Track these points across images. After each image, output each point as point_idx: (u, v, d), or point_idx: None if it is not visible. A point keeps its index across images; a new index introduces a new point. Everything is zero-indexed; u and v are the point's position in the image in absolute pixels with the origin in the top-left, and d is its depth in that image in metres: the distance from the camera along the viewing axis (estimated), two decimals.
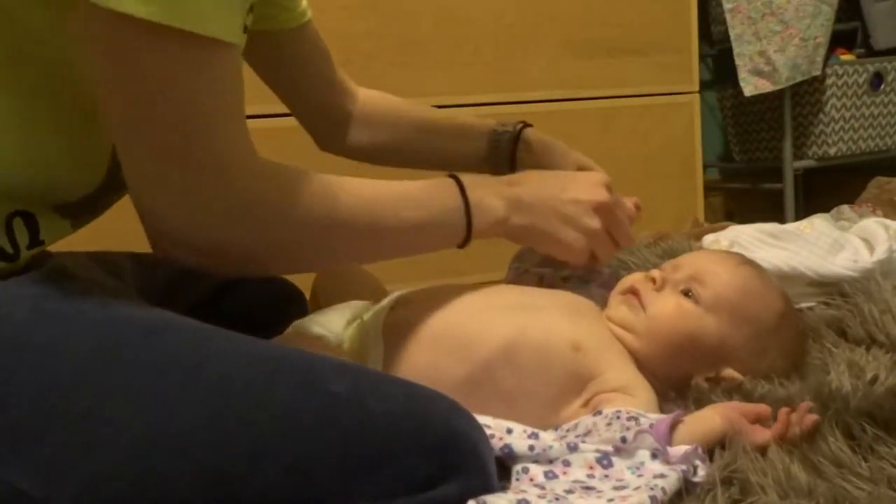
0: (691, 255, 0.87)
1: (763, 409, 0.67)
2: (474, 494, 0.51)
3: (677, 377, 0.77)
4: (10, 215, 0.58)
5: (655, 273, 0.80)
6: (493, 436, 0.60)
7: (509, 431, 0.63)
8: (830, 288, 0.95)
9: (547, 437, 0.63)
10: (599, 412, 0.67)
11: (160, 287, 0.81)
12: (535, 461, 0.60)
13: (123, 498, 0.46)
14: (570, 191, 0.77)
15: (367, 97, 1.03)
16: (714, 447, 0.63)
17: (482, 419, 0.62)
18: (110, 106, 0.55)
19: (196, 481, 0.47)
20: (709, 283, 0.78)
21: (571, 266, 0.87)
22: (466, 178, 0.73)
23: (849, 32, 2.11)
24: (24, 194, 0.59)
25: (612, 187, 0.80)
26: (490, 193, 0.74)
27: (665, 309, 0.77)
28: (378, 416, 0.51)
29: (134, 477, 0.46)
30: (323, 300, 0.88)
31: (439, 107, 1.67)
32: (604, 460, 0.60)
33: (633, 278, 0.82)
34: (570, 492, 0.57)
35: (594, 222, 0.77)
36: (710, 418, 0.66)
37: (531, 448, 0.61)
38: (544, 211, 0.76)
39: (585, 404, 0.71)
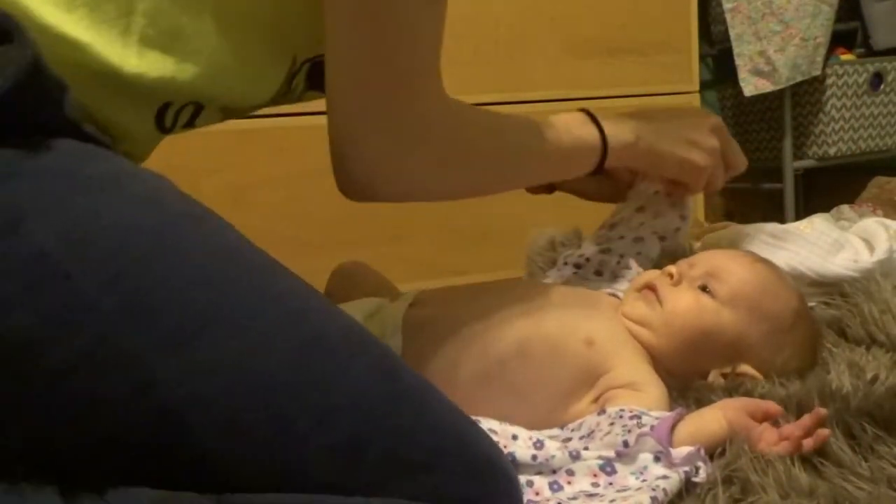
0: (706, 253, 0.88)
1: (773, 407, 0.66)
2: None
3: (693, 373, 0.76)
4: (186, 104, 0.65)
5: (672, 268, 0.80)
6: (497, 442, 0.59)
7: (514, 438, 0.63)
8: (830, 288, 0.95)
9: (551, 447, 0.63)
10: (603, 411, 0.67)
11: None
12: (539, 472, 0.61)
13: (215, 397, 0.47)
14: (687, 116, 0.90)
15: None
16: (717, 448, 0.63)
17: (488, 423, 0.63)
18: (336, 27, 0.63)
19: (267, 418, 0.48)
20: (725, 279, 0.78)
21: (675, 194, 0.94)
22: (595, 113, 0.84)
23: (849, 32, 2.11)
24: (206, 92, 0.65)
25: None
26: (618, 124, 0.85)
27: (682, 303, 0.77)
28: (436, 419, 0.52)
29: (226, 381, 0.48)
30: (336, 299, 0.88)
31: None
32: (607, 467, 0.60)
33: (650, 275, 0.82)
34: (573, 498, 0.58)
35: (714, 141, 0.88)
36: (716, 420, 0.65)
37: (534, 458, 0.61)
38: (669, 134, 0.86)
39: (595, 400, 0.72)
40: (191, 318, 0.48)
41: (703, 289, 0.77)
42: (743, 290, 0.77)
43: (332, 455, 0.48)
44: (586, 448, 0.63)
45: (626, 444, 0.61)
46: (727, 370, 0.76)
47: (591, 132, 0.83)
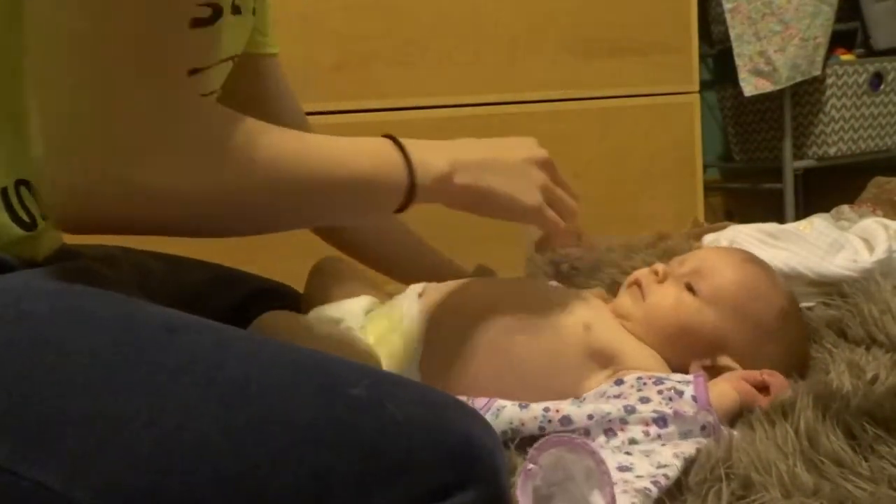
0: (699, 251, 0.90)
1: (758, 375, 0.73)
2: (489, 502, 0.50)
3: (675, 364, 0.78)
4: (16, 183, 0.58)
5: (659, 266, 0.82)
6: (548, 409, 0.65)
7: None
8: (830, 288, 0.95)
9: (605, 406, 0.66)
10: (621, 381, 0.70)
11: (190, 291, 0.81)
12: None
13: (143, 496, 0.45)
14: (511, 147, 0.74)
15: None
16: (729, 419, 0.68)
17: (540, 404, 0.66)
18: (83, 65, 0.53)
19: (213, 485, 0.46)
20: (710, 277, 0.79)
21: (561, 249, 0.89)
22: (402, 139, 0.68)
23: (849, 32, 2.11)
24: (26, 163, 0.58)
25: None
26: (430, 151, 0.68)
27: (664, 300, 0.79)
28: (398, 423, 0.50)
29: (153, 476, 0.46)
30: (316, 297, 0.88)
31: (439, 107, 1.68)
32: (659, 421, 0.64)
33: (639, 272, 0.84)
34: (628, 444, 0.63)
35: (543, 176, 0.74)
36: (727, 394, 0.70)
37: (590, 416, 0.65)
38: (490, 167, 0.71)
39: (610, 376, 0.75)
40: (88, 431, 0.46)
41: (688, 286, 0.79)
42: (726, 288, 0.79)
43: (301, 489, 0.46)
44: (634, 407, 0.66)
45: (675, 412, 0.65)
46: (707, 362, 0.78)
47: (394, 160, 0.66)
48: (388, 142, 0.67)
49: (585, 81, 1.77)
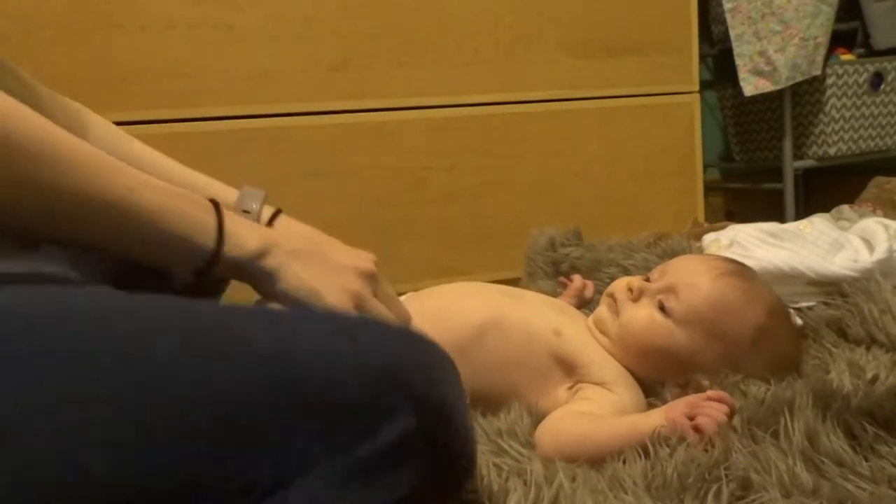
0: (680, 261, 0.87)
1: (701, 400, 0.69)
2: (434, 420, 0.47)
3: (651, 380, 0.80)
4: None
5: (635, 283, 0.83)
6: None
7: None
8: (830, 288, 0.95)
9: None
10: None
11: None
12: None
13: (54, 490, 0.41)
14: (338, 250, 0.69)
15: (106, 131, 0.88)
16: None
17: None
18: None
19: (122, 471, 0.42)
20: (684, 296, 0.79)
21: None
22: (224, 209, 0.63)
23: (849, 32, 2.11)
24: None
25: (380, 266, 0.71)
26: (247, 227, 0.64)
27: (635, 321, 0.80)
28: (309, 364, 0.46)
29: (59, 469, 0.41)
30: None
31: (439, 107, 1.68)
32: None
33: (617, 284, 0.86)
34: None
35: (359, 284, 0.67)
36: (650, 419, 0.68)
37: None
38: (304, 258, 0.65)
39: (570, 388, 0.79)
40: None
41: (661, 306, 0.79)
42: (699, 309, 0.78)
43: (215, 456, 0.43)
44: None
45: None
46: (681, 381, 0.78)
47: (205, 220, 0.61)
48: (206, 202, 0.62)
49: (585, 81, 1.77)
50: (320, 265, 0.66)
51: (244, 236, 0.63)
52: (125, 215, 0.57)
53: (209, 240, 0.61)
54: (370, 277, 0.68)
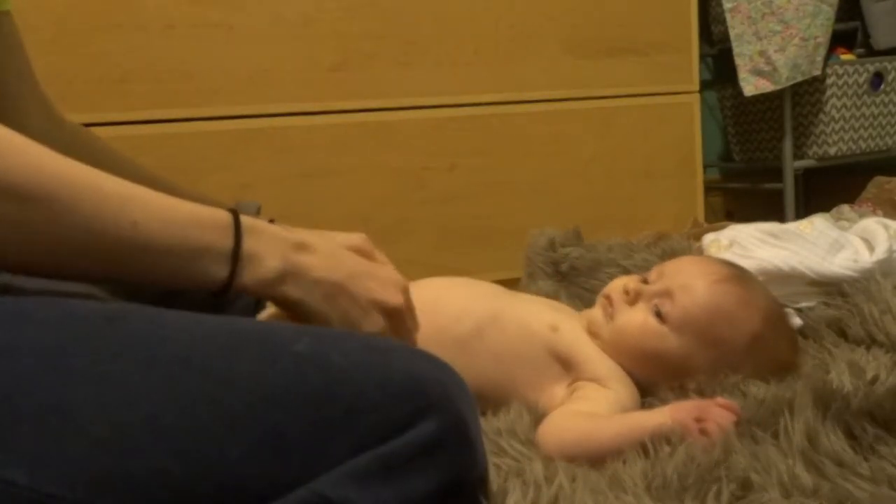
0: (678, 263, 0.87)
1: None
2: (450, 430, 0.50)
3: (645, 381, 0.80)
4: None
5: (631, 285, 0.82)
6: None
7: None
8: (830, 288, 0.95)
9: None
10: None
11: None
12: None
13: (105, 481, 0.46)
14: (365, 281, 0.65)
15: (77, 131, 0.88)
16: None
17: None
18: None
19: (171, 461, 0.47)
20: (680, 301, 0.79)
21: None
22: (247, 221, 0.60)
23: (849, 32, 2.11)
24: None
25: (409, 294, 0.68)
26: (270, 249, 0.60)
27: (629, 326, 0.80)
28: (344, 370, 0.50)
29: (112, 459, 0.46)
30: None
31: (439, 107, 1.68)
32: None
33: (613, 286, 0.85)
34: None
35: (381, 323, 0.65)
36: (654, 416, 0.69)
37: None
38: (328, 290, 0.62)
39: (569, 385, 0.80)
40: (42, 425, 0.46)
41: (656, 311, 0.79)
42: (694, 315, 0.78)
43: (258, 452, 0.47)
44: None
45: None
46: (675, 385, 0.78)
47: (218, 245, 0.58)
48: (227, 218, 0.59)
49: (585, 81, 1.77)
50: (344, 300, 0.63)
51: (265, 257, 0.59)
52: (130, 254, 0.55)
53: (221, 269, 0.58)
54: (396, 313, 0.66)
